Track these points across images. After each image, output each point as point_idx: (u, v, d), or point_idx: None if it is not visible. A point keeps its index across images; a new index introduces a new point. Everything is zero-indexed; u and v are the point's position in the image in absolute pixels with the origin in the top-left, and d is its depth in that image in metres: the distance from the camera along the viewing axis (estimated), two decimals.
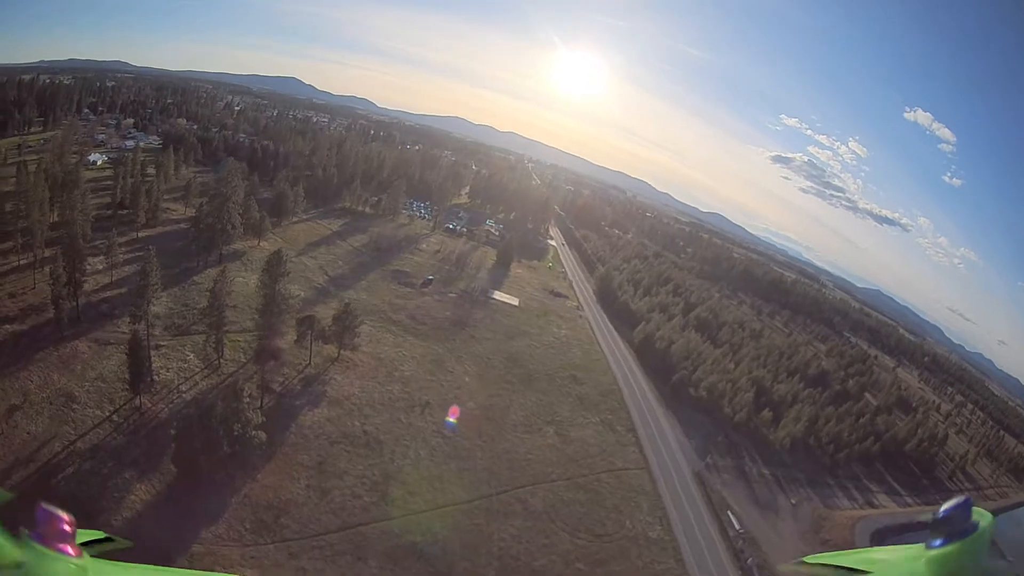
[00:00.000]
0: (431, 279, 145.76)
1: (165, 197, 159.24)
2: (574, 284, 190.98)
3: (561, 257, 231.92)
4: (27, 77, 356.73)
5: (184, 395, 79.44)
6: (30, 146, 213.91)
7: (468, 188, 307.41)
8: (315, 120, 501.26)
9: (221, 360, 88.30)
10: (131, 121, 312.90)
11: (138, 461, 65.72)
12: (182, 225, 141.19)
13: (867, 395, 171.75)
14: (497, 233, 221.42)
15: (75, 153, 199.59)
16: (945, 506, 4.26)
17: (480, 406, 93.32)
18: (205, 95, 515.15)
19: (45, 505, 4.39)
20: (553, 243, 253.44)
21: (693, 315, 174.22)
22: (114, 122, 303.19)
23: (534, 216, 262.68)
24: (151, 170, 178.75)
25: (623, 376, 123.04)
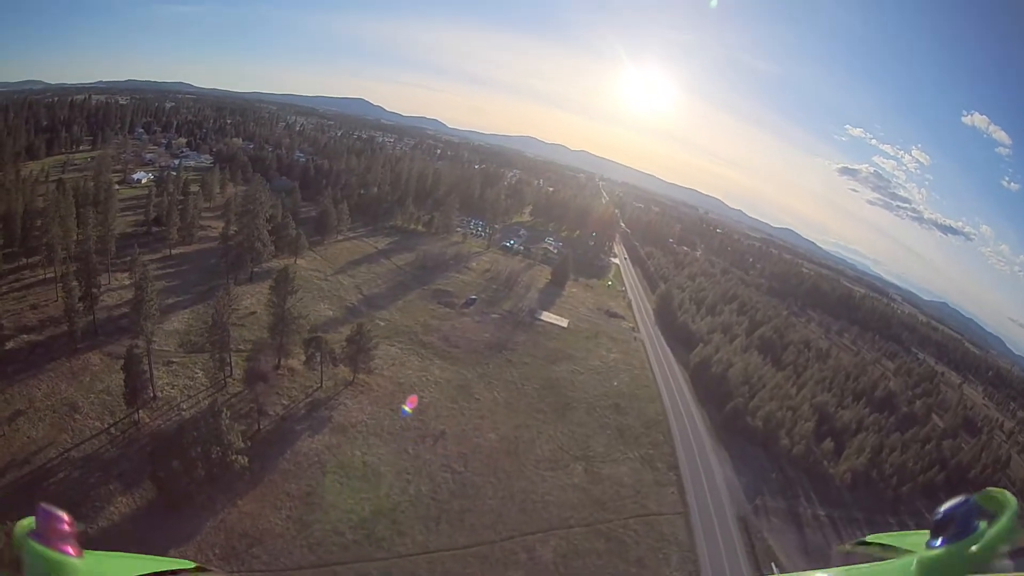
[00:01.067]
0: (474, 299, 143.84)
1: (206, 215, 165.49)
2: (633, 303, 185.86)
3: (623, 275, 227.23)
4: (80, 97, 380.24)
5: (184, 412, 79.89)
6: (75, 164, 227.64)
7: (531, 206, 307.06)
8: (379, 140, 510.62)
9: (228, 379, 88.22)
10: (183, 140, 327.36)
11: (125, 474, 67.03)
12: (211, 245, 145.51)
13: (934, 417, 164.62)
14: (555, 251, 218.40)
15: (118, 171, 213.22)
16: (945, 505, 3.99)
17: (502, 438, 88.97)
18: (267, 116, 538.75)
19: (45, 505, 4.27)
20: (616, 261, 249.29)
21: (757, 334, 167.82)
22: (166, 141, 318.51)
23: (598, 234, 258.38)
24: (196, 188, 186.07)
25: (673, 404, 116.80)
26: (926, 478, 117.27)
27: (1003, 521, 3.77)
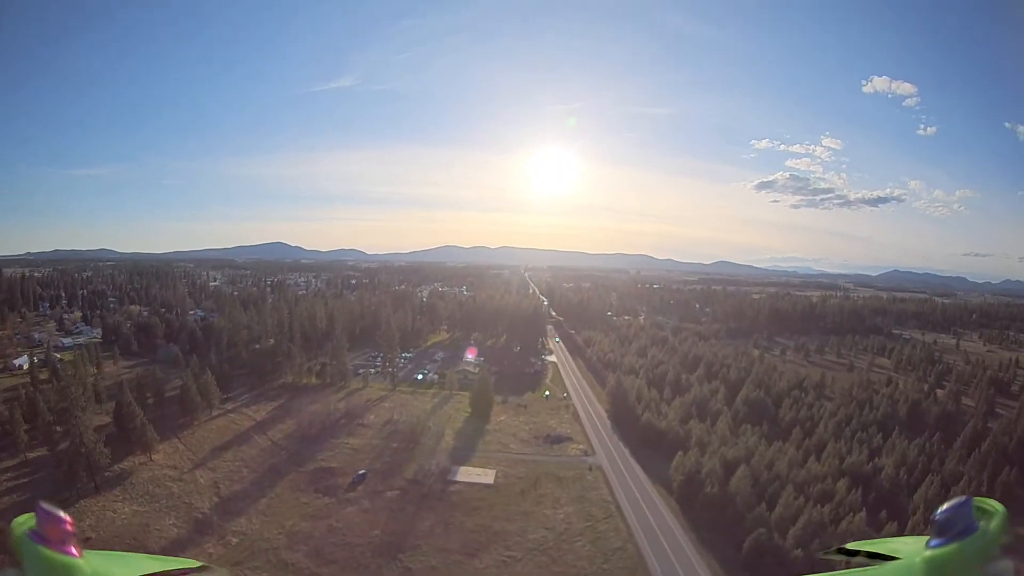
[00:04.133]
0: (363, 474, 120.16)
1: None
2: (581, 411, 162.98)
3: (563, 375, 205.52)
4: None
5: None
6: None
7: (446, 322, 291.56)
8: (291, 282, 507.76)
9: None
10: (79, 315, 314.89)
11: None
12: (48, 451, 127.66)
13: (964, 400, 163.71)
14: (476, 370, 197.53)
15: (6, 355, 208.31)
16: (944, 506, 4.67)
17: None
18: (182, 275, 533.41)
19: (45, 505, 4.93)
20: (553, 358, 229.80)
21: (741, 399, 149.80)
22: (67, 317, 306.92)
23: (527, 332, 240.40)
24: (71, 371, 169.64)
25: (665, 565, 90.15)
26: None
27: (998, 519, 4.44)
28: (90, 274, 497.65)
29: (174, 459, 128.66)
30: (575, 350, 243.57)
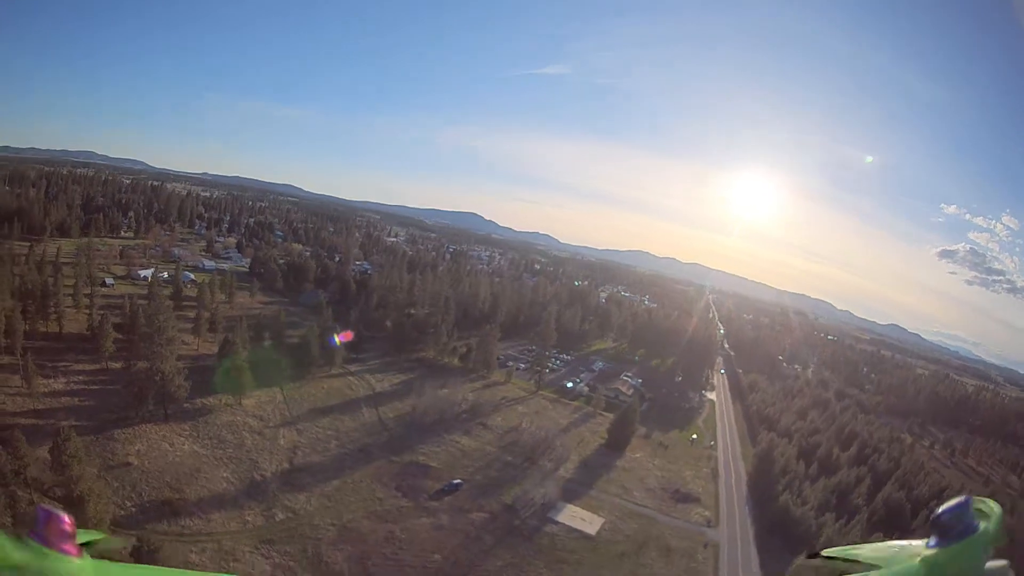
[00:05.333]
0: (457, 484, 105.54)
1: (189, 327, 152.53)
2: (721, 469, 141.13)
3: (718, 419, 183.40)
4: (154, 183, 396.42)
5: None
6: (100, 249, 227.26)
7: (614, 331, 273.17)
8: (475, 254, 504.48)
9: None
10: (233, 241, 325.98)
11: None
12: (181, 363, 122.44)
13: None
14: (631, 392, 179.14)
15: (123, 265, 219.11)
16: (945, 506, 4.41)
17: None
18: (365, 224, 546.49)
19: (45, 505, 4.64)
20: (713, 396, 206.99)
21: (880, 499, 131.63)
22: (220, 240, 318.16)
23: (695, 362, 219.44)
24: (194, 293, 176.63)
25: None
26: None
27: (996, 519, 4.26)
28: (265, 205, 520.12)
29: (264, 410, 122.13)
30: (737, 392, 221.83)
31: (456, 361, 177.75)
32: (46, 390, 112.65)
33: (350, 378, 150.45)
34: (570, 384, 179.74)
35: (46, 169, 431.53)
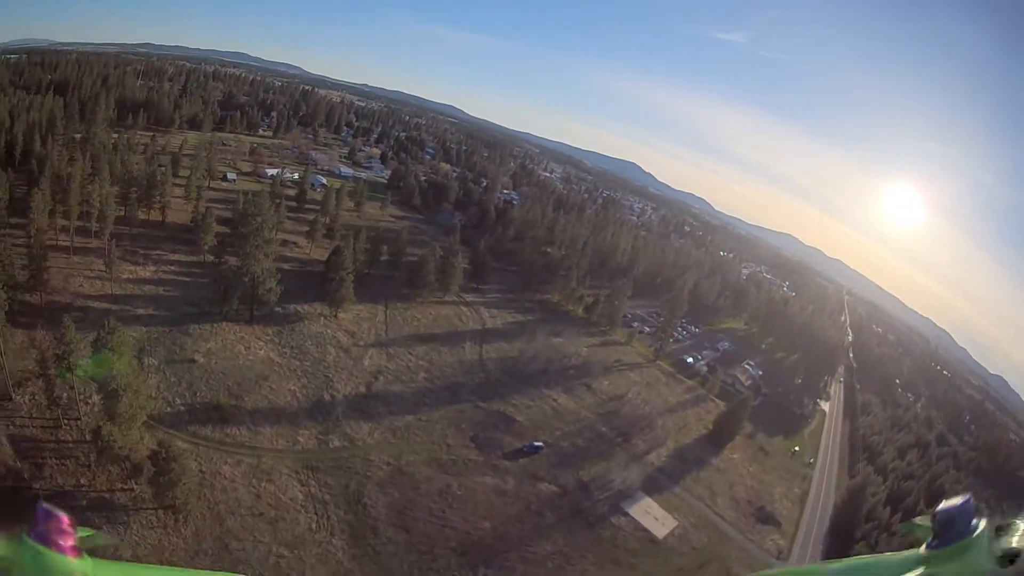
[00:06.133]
0: (537, 447, 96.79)
1: (298, 230, 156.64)
2: (814, 489, 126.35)
3: (824, 433, 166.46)
4: (305, 87, 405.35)
5: None
6: (226, 144, 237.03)
7: (749, 312, 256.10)
8: (627, 204, 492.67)
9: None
10: (377, 152, 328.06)
11: None
12: (285, 265, 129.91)
13: None
14: (749, 381, 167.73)
15: (250, 162, 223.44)
16: (944, 506, 4.66)
17: None
18: (522, 155, 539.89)
19: (44, 505, 4.90)
20: (826, 407, 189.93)
21: None
22: (364, 150, 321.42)
23: (818, 365, 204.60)
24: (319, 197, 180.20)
25: None
26: None
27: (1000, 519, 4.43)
28: (422, 122, 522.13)
29: (360, 327, 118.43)
30: (849, 409, 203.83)
31: (580, 311, 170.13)
32: (131, 276, 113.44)
33: (463, 308, 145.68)
34: (690, 360, 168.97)
35: (187, 65, 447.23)
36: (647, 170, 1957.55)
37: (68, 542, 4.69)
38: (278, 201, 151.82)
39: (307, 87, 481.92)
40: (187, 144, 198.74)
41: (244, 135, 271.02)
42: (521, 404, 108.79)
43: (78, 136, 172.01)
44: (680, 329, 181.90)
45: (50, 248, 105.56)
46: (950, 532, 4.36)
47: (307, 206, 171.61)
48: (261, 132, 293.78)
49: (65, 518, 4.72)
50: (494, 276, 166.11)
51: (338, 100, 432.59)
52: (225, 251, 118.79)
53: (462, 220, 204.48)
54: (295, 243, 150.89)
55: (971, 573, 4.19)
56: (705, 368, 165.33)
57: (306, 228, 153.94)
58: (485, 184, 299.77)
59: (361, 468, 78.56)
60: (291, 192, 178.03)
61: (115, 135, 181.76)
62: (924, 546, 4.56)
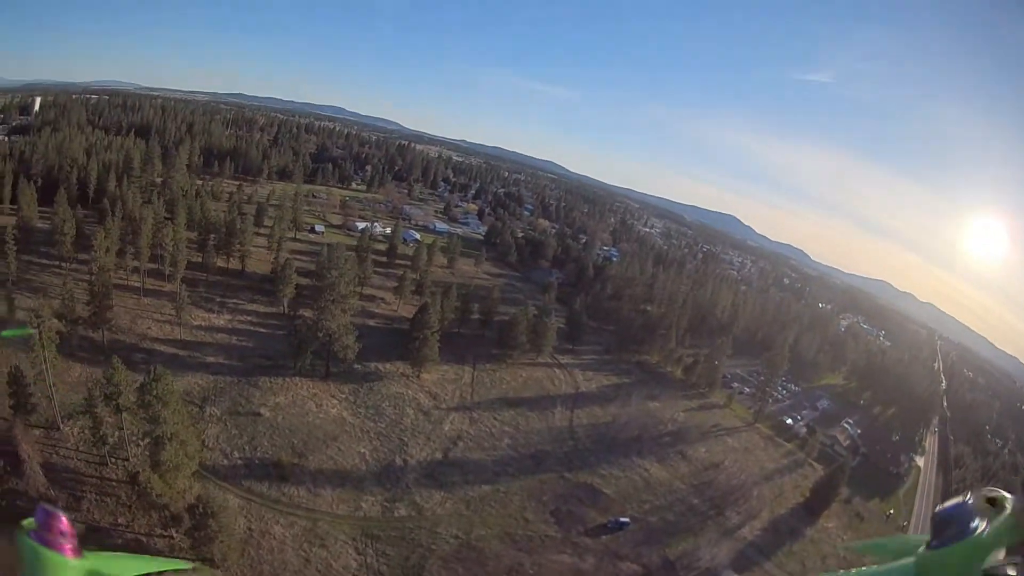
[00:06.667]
0: (623, 523, 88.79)
1: (385, 286, 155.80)
2: None
3: (918, 494, 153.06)
4: (400, 142, 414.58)
5: None
6: (317, 196, 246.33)
7: (848, 366, 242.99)
8: (725, 258, 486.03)
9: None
10: (474, 207, 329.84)
11: None
12: (370, 321, 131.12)
13: None
14: (847, 442, 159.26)
15: (340, 215, 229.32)
16: (944, 505, 4.65)
17: None
18: (622, 210, 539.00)
19: (44, 505, 5.02)
20: (922, 462, 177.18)
21: None
22: (460, 206, 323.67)
23: (912, 415, 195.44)
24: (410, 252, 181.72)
25: None
26: None
27: (1001, 521, 4.29)
28: (521, 178, 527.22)
29: (442, 388, 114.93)
30: (943, 462, 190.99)
31: (678, 372, 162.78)
32: (204, 323, 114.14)
33: (556, 370, 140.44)
34: (789, 421, 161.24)
35: (279, 116, 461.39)
36: (746, 223, 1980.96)
37: (67, 542, 4.72)
38: (364, 255, 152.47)
39: (403, 142, 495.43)
40: (275, 195, 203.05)
41: (336, 188, 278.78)
42: (610, 475, 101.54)
43: (157, 180, 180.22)
44: (780, 388, 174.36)
45: (120, 288, 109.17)
46: (948, 532, 4.31)
47: (397, 261, 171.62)
48: (354, 185, 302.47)
49: (64, 518, 4.76)
50: (590, 336, 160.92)
51: (435, 155, 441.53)
52: (303, 303, 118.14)
53: (559, 277, 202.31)
54: (382, 299, 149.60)
55: (970, 573, 4.12)
56: (804, 430, 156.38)
57: (394, 284, 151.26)
58: (584, 240, 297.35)
59: (426, 540, 72.86)
60: (381, 246, 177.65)
61: (199, 181, 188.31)
62: (924, 547, 4.49)
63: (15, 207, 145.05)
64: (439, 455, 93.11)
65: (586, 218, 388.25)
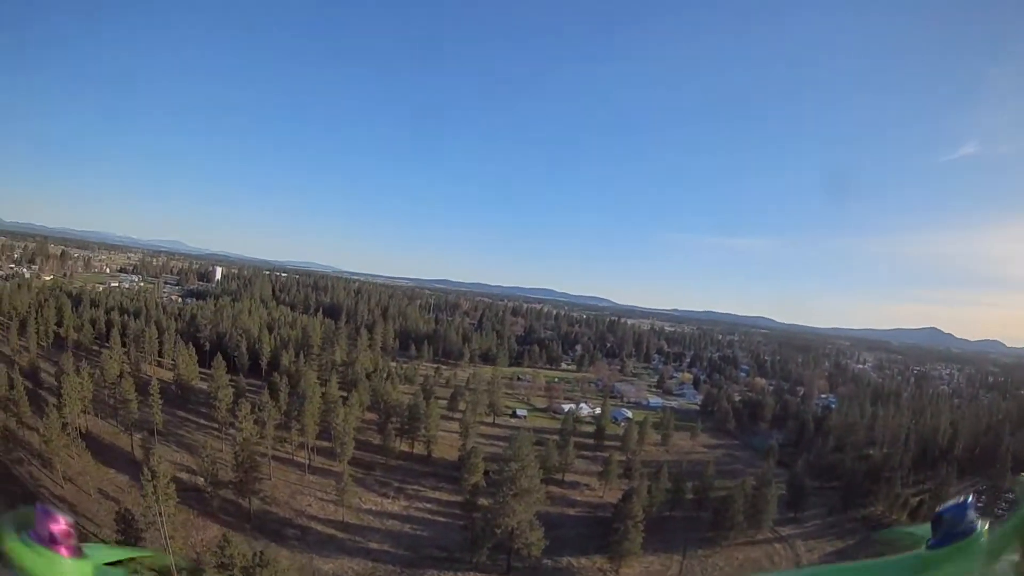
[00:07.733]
0: None
1: (594, 471, 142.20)
2: None
3: None
4: (611, 318, 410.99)
5: None
6: (523, 379, 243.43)
7: None
8: (935, 374, 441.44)
9: None
10: (688, 376, 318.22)
11: None
12: (569, 510, 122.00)
13: None
14: None
15: (546, 397, 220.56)
16: (945, 505, 4.77)
17: None
18: (834, 352, 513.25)
19: (44, 505, 5.13)
20: None
21: None
22: (675, 376, 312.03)
23: None
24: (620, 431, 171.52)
25: None
26: None
27: (1001, 522, 4.55)
28: (735, 339, 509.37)
29: None
30: None
31: (904, 519, 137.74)
32: (374, 508, 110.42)
33: (775, 545, 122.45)
34: None
35: (485, 300, 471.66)
36: (946, 331, 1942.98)
37: (67, 542, 4.87)
38: (567, 439, 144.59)
39: (614, 317, 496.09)
40: (475, 378, 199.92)
41: (544, 369, 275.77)
42: None
43: (338, 359, 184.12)
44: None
45: (285, 462, 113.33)
46: (950, 532, 4.39)
47: (606, 442, 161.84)
48: (564, 366, 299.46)
49: (64, 519, 4.87)
50: (813, 497, 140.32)
51: (647, 327, 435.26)
52: (486, 493, 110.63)
53: (779, 439, 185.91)
54: (586, 485, 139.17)
55: (971, 573, 4.21)
56: None
57: (600, 468, 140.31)
58: (802, 393, 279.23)
59: None
60: (589, 428, 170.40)
61: (392, 363, 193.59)
62: (924, 546, 4.56)
63: (174, 363, 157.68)
64: None
65: (801, 368, 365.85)
